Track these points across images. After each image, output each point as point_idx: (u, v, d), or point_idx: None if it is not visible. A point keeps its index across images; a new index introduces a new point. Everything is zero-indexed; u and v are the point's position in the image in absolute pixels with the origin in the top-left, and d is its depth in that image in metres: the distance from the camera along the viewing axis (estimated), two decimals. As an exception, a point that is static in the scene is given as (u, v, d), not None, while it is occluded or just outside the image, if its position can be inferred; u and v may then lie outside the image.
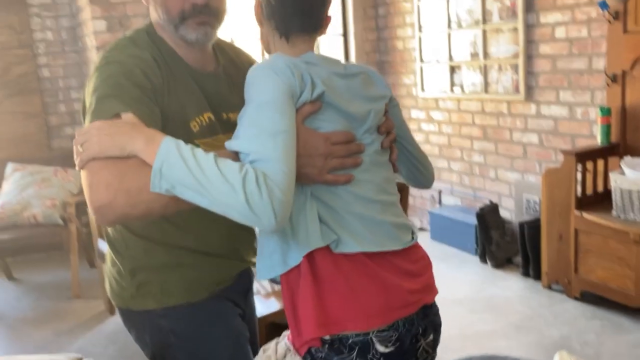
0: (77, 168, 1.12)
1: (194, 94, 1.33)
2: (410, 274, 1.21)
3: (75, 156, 1.11)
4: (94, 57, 4.22)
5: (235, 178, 0.98)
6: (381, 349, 1.15)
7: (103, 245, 3.47)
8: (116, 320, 3.59)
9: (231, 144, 1.07)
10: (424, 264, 1.26)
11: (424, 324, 1.21)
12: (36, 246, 4.05)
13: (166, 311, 1.38)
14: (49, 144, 4.78)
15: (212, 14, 1.31)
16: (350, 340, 1.14)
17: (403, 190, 2.47)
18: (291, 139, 1.06)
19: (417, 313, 1.20)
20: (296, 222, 1.13)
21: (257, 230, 1.30)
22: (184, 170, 0.99)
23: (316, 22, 1.22)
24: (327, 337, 1.14)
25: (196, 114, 1.32)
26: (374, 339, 1.15)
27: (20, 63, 4.65)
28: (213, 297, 1.40)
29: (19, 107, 4.66)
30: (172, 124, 1.19)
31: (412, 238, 1.25)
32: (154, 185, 1.02)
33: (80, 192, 4.34)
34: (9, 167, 4.29)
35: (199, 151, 1.02)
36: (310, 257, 1.14)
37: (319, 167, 1.13)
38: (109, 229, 1.45)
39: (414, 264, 1.23)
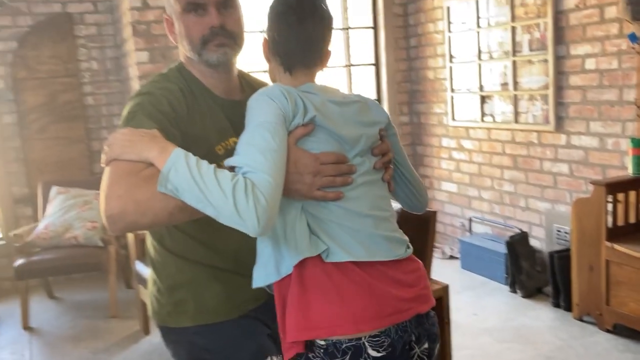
0: (102, 165, 1.26)
1: (220, 120, 1.46)
2: (401, 284, 1.29)
3: (102, 155, 1.26)
4: (136, 86, 4.41)
5: (227, 185, 1.10)
6: (373, 353, 1.23)
7: (140, 267, 3.61)
8: (150, 340, 3.70)
9: (229, 160, 1.20)
10: (417, 276, 1.33)
11: (417, 332, 1.29)
12: (76, 266, 4.19)
13: (200, 329, 1.47)
14: (91, 169, 4.98)
15: (229, 36, 1.44)
16: (344, 345, 1.22)
17: (431, 218, 2.54)
18: (280, 156, 1.18)
19: (411, 321, 1.28)
20: (288, 235, 1.24)
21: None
22: (187, 176, 1.12)
23: (316, 58, 1.35)
24: (322, 343, 1.23)
25: (222, 139, 1.44)
26: (366, 344, 1.22)
27: (66, 91, 4.89)
28: (243, 317, 1.48)
29: (63, 132, 4.88)
30: (197, 147, 1.29)
31: (406, 252, 1.33)
32: (161, 186, 1.14)
33: (120, 215, 4.49)
34: (53, 190, 4.49)
35: (203, 162, 1.15)
36: (301, 266, 1.24)
37: (308, 184, 1.24)
38: (150, 249, 1.56)
39: (406, 275, 1.30)
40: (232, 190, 1.10)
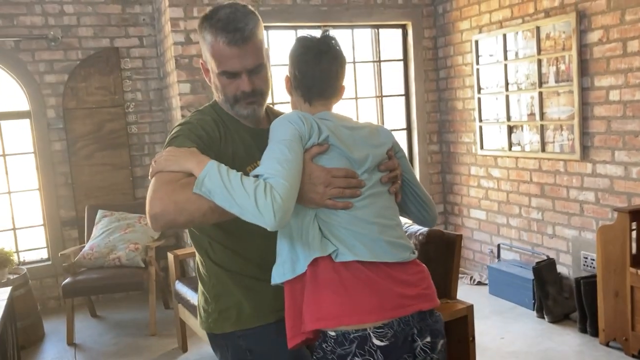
0: (149, 177, 1.49)
1: (249, 145, 1.67)
2: (405, 283, 1.48)
3: (150, 170, 1.49)
4: (178, 116, 4.68)
5: (250, 187, 1.33)
6: (377, 342, 1.42)
7: (179, 287, 3.80)
8: (188, 357, 3.88)
9: (254, 171, 1.42)
10: (420, 277, 1.52)
11: (419, 326, 1.47)
12: (119, 286, 4.40)
13: (242, 333, 1.65)
14: (134, 194, 5.25)
15: (258, 94, 1.65)
16: (352, 335, 1.41)
17: (456, 240, 2.68)
18: (295, 166, 1.40)
19: (413, 316, 1.46)
20: (303, 238, 1.45)
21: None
22: (218, 181, 1.35)
23: (332, 92, 1.58)
24: (332, 334, 1.43)
25: (251, 161, 1.65)
26: (371, 334, 1.41)
27: (112, 120, 5.19)
28: (280, 321, 1.63)
29: (109, 159, 5.17)
30: (229, 167, 1.50)
31: (409, 256, 1.52)
32: (196, 188, 1.37)
33: (161, 237, 4.74)
34: (99, 213, 4.75)
35: (232, 171, 1.38)
36: (314, 265, 1.44)
37: (320, 193, 1.46)
38: (198, 264, 1.74)
39: (409, 276, 1.49)
40: (253, 191, 1.32)
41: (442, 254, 2.67)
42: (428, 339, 1.49)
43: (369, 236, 1.48)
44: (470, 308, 2.63)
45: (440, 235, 2.70)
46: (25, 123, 5.07)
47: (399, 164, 1.62)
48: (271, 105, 1.89)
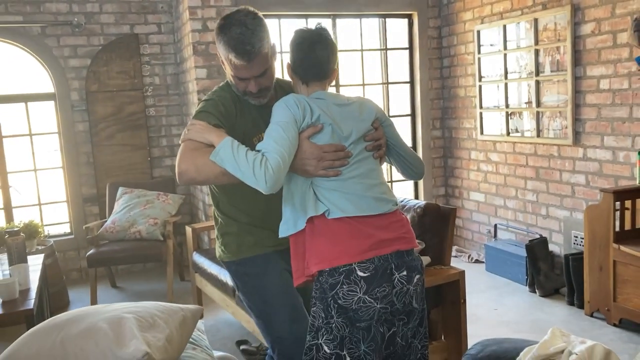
0: (180, 141, 1.87)
1: (256, 119, 2.02)
2: (385, 229, 1.82)
3: (182, 134, 1.87)
4: (194, 99, 4.97)
5: (250, 159, 1.70)
6: (360, 273, 1.78)
7: (196, 257, 4.11)
8: (203, 323, 4.19)
9: (257, 146, 1.78)
10: (400, 224, 1.87)
11: (397, 262, 1.82)
12: (139, 257, 4.72)
13: (240, 261, 2.15)
14: (151, 173, 5.55)
15: (263, 91, 1.99)
16: (340, 269, 1.79)
17: (451, 213, 2.96)
18: (287, 143, 1.74)
19: (392, 255, 1.81)
20: (302, 201, 1.83)
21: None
22: (229, 152, 1.73)
23: (325, 74, 1.90)
24: (326, 269, 1.80)
25: (257, 133, 2.00)
26: (356, 267, 1.78)
27: (131, 103, 5.48)
28: (269, 253, 2.09)
29: (128, 140, 5.47)
30: (240, 137, 1.89)
31: (391, 208, 1.86)
32: (213, 156, 1.74)
33: (177, 213, 5.05)
34: (120, 190, 5.06)
35: (242, 146, 1.75)
36: (311, 222, 1.82)
37: (314, 166, 1.80)
38: (214, 214, 2.23)
39: (390, 223, 1.86)
40: (252, 162, 1.69)
41: (437, 226, 2.96)
42: (404, 273, 1.82)
43: (355, 194, 1.83)
44: (462, 273, 2.92)
45: (436, 209, 2.98)
46: (50, 105, 5.37)
47: (383, 132, 1.94)
48: (280, 78, 2.23)
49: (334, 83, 5.19)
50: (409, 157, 2.04)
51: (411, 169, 2.05)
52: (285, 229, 1.86)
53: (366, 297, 1.76)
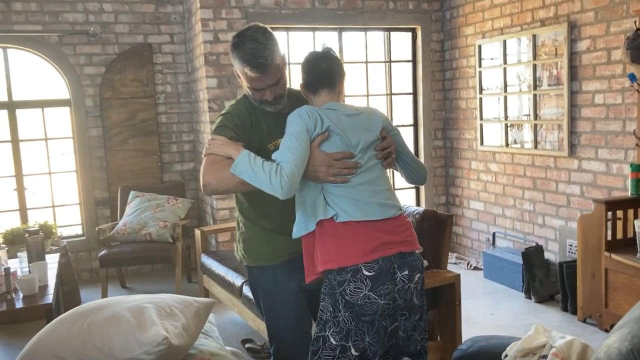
0: (202, 156, 2.02)
1: (270, 127, 2.17)
2: (389, 232, 1.99)
3: (204, 149, 2.04)
4: (205, 107, 5.16)
5: (267, 169, 1.87)
6: (366, 273, 1.95)
7: (204, 259, 4.29)
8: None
9: (273, 155, 1.95)
10: (403, 228, 2.03)
11: (399, 262, 1.98)
12: (149, 258, 4.91)
13: (256, 269, 2.30)
14: (162, 177, 5.74)
15: (278, 98, 2.14)
16: (348, 268, 1.96)
17: (448, 220, 3.13)
18: (300, 152, 1.92)
19: (395, 255, 1.98)
20: (313, 205, 2.00)
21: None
22: (247, 164, 1.89)
23: (332, 83, 2.08)
24: (335, 267, 1.96)
25: (271, 140, 2.15)
26: (362, 267, 1.95)
27: (144, 110, 5.68)
28: (285, 262, 2.22)
29: (140, 145, 5.66)
30: (257, 145, 2.07)
31: (395, 213, 2.04)
32: (232, 169, 1.91)
33: (186, 217, 5.23)
34: (132, 194, 5.25)
35: (258, 158, 1.92)
36: (321, 225, 1.99)
37: (324, 172, 1.97)
38: (237, 218, 2.36)
39: (394, 227, 2.02)
40: (269, 172, 1.86)
41: (435, 231, 3.12)
42: (406, 272, 1.99)
43: (361, 200, 2.00)
44: (457, 276, 3.08)
45: (434, 215, 3.15)
46: (66, 110, 5.57)
47: (392, 141, 2.11)
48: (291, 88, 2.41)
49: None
50: (414, 163, 2.21)
51: (415, 175, 2.22)
52: (297, 231, 2.03)
53: (371, 294, 1.94)
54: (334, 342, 2.00)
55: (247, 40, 2.05)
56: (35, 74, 5.58)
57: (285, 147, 1.93)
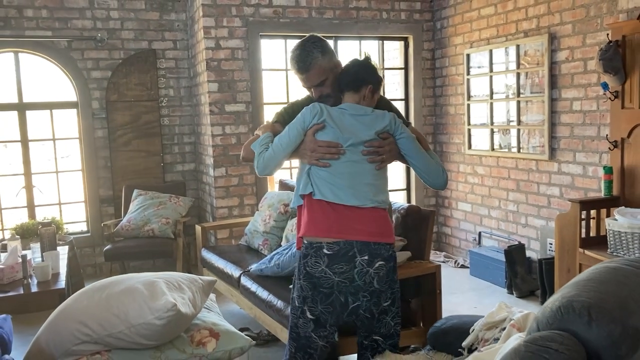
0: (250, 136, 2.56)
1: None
2: (356, 220, 2.25)
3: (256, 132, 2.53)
4: (206, 111, 5.43)
5: (257, 150, 2.35)
6: (326, 251, 2.26)
7: (205, 253, 4.54)
8: (210, 312, 4.61)
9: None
10: (372, 219, 2.30)
11: (360, 247, 2.26)
12: (151, 253, 5.16)
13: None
14: (164, 177, 6.01)
15: (324, 97, 2.47)
16: (313, 244, 2.29)
17: (430, 216, 3.39)
18: (286, 141, 2.32)
19: (357, 241, 2.25)
20: (299, 182, 2.36)
21: None
22: (257, 144, 2.39)
23: (353, 86, 2.39)
24: (305, 241, 2.32)
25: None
26: (324, 245, 2.27)
27: (147, 112, 5.95)
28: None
29: (144, 147, 5.93)
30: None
31: (366, 204, 2.29)
32: (253, 145, 2.41)
33: (187, 214, 5.49)
34: (135, 192, 5.51)
35: (264, 140, 2.37)
36: (306, 199, 2.34)
37: (309, 155, 2.30)
38: None
39: (363, 217, 2.29)
40: (258, 152, 2.34)
41: (418, 225, 3.38)
42: (366, 257, 2.26)
43: (337, 186, 2.29)
44: (438, 267, 3.34)
45: (417, 211, 3.41)
46: (73, 112, 5.84)
47: (390, 142, 2.34)
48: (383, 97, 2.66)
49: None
50: (422, 168, 2.40)
51: (425, 179, 2.42)
52: (292, 203, 2.44)
53: (327, 270, 2.25)
54: (296, 304, 2.35)
55: (297, 47, 2.45)
56: (44, 77, 5.85)
57: (278, 136, 2.35)
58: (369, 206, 2.29)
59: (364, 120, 2.33)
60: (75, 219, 6.04)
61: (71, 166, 6.06)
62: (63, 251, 4.09)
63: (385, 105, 2.56)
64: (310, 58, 2.40)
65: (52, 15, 5.58)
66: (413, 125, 6.13)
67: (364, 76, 2.38)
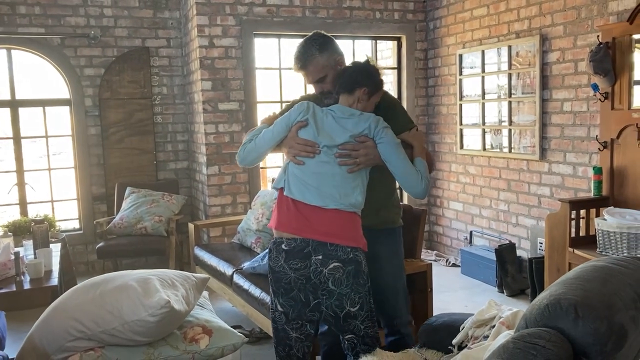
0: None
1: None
2: (316, 220, 2.28)
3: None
4: (199, 109, 5.44)
5: (244, 141, 2.46)
6: (284, 247, 2.33)
7: (197, 251, 4.56)
8: (202, 310, 4.62)
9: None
10: (333, 222, 2.30)
11: (315, 247, 2.29)
12: (144, 250, 5.17)
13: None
14: (157, 175, 6.01)
15: (327, 93, 2.51)
16: (276, 239, 2.37)
17: (422, 215, 3.42)
18: (269, 136, 2.40)
19: (313, 240, 2.28)
20: (278, 176, 2.42)
21: None
22: (250, 134, 2.48)
23: (350, 90, 2.40)
24: (274, 235, 2.40)
25: None
26: (284, 241, 2.33)
27: (140, 110, 5.95)
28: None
29: (137, 144, 5.93)
30: None
31: (329, 205, 2.29)
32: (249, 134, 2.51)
33: (180, 212, 5.50)
34: (128, 190, 5.51)
35: (255, 133, 2.47)
36: (279, 192, 2.40)
37: (286, 151, 2.38)
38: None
39: (323, 217, 2.30)
40: (243, 143, 2.45)
41: (410, 224, 3.41)
42: (320, 257, 2.28)
43: (305, 184, 2.32)
44: (429, 265, 3.38)
45: (409, 210, 3.44)
46: (66, 110, 5.83)
47: (367, 146, 2.32)
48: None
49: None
50: (398, 175, 2.38)
51: (402, 185, 2.41)
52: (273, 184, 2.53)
53: (285, 265, 2.32)
54: (272, 297, 2.43)
55: (300, 44, 2.52)
56: (37, 74, 5.84)
57: (265, 129, 2.44)
58: (331, 207, 2.28)
59: (345, 123, 2.33)
60: (68, 216, 6.04)
61: (64, 163, 6.05)
62: (56, 248, 4.09)
63: (389, 105, 2.55)
64: (307, 55, 2.45)
65: (45, 12, 5.57)
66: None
67: (359, 79, 2.38)
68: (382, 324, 2.71)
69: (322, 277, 2.28)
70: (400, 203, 3.60)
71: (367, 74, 2.40)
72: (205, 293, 2.66)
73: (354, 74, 2.39)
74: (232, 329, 2.50)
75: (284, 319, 2.40)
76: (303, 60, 2.45)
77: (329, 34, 2.58)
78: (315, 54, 2.45)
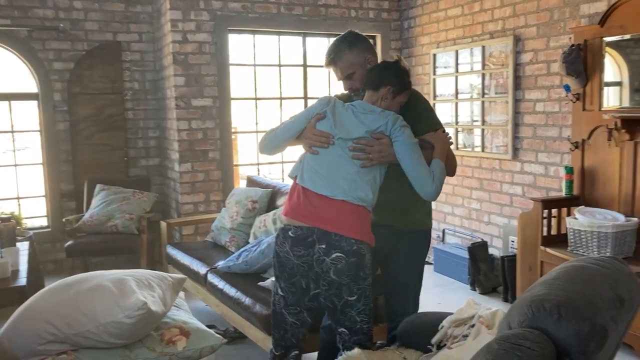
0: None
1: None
2: (323, 208, 2.29)
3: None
4: (172, 105, 5.35)
5: (269, 131, 2.52)
6: (290, 234, 2.36)
7: (170, 249, 4.49)
8: (175, 309, 4.56)
9: None
10: (338, 212, 2.32)
11: (319, 235, 2.31)
12: (115, 249, 5.07)
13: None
14: (127, 172, 5.90)
15: (355, 90, 2.55)
16: (284, 226, 2.41)
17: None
18: (289, 126, 2.46)
19: (317, 229, 2.31)
20: (295, 165, 2.46)
21: None
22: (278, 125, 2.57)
23: (375, 88, 2.42)
24: (283, 221, 2.45)
25: None
26: (291, 228, 2.37)
27: (111, 105, 5.82)
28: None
29: (107, 140, 5.80)
30: None
31: (336, 196, 2.31)
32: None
33: (151, 210, 5.41)
34: (98, 187, 5.40)
35: (283, 126, 2.52)
36: (293, 180, 2.45)
37: (303, 141, 2.42)
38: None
39: (330, 207, 2.32)
40: (266, 133, 2.53)
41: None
42: (323, 246, 2.29)
43: (317, 174, 2.35)
44: (405, 264, 3.39)
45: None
46: (33, 104, 5.68)
47: (382, 143, 2.31)
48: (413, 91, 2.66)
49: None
50: (410, 174, 2.34)
51: (413, 185, 2.36)
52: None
53: (289, 251, 2.35)
54: (275, 280, 2.48)
55: (332, 42, 2.56)
56: (3, 67, 5.67)
57: (287, 121, 2.50)
58: (339, 198, 2.30)
59: (363, 119, 2.35)
60: (35, 213, 5.89)
61: (31, 159, 5.89)
62: (23, 247, 3.98)
63: (415, 105, 2.55)
64: (337, 51, 2.50)
65: (11, 3, 5.41)
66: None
67: (385, 77, 2.40)
68: (388, 317, 2.87)
69: (324, 265, 2.30)
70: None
71: (394, 73, 2.42)
72: (181, 294, 2.61)
73: (380, 72, 2.42)
74: (210, 330, 2.46)
75: (283, 302, 2.45)
76: (333, 55, 2.50)
77: (361, 33, 2.60)
78: (345, 50, 2.49)
